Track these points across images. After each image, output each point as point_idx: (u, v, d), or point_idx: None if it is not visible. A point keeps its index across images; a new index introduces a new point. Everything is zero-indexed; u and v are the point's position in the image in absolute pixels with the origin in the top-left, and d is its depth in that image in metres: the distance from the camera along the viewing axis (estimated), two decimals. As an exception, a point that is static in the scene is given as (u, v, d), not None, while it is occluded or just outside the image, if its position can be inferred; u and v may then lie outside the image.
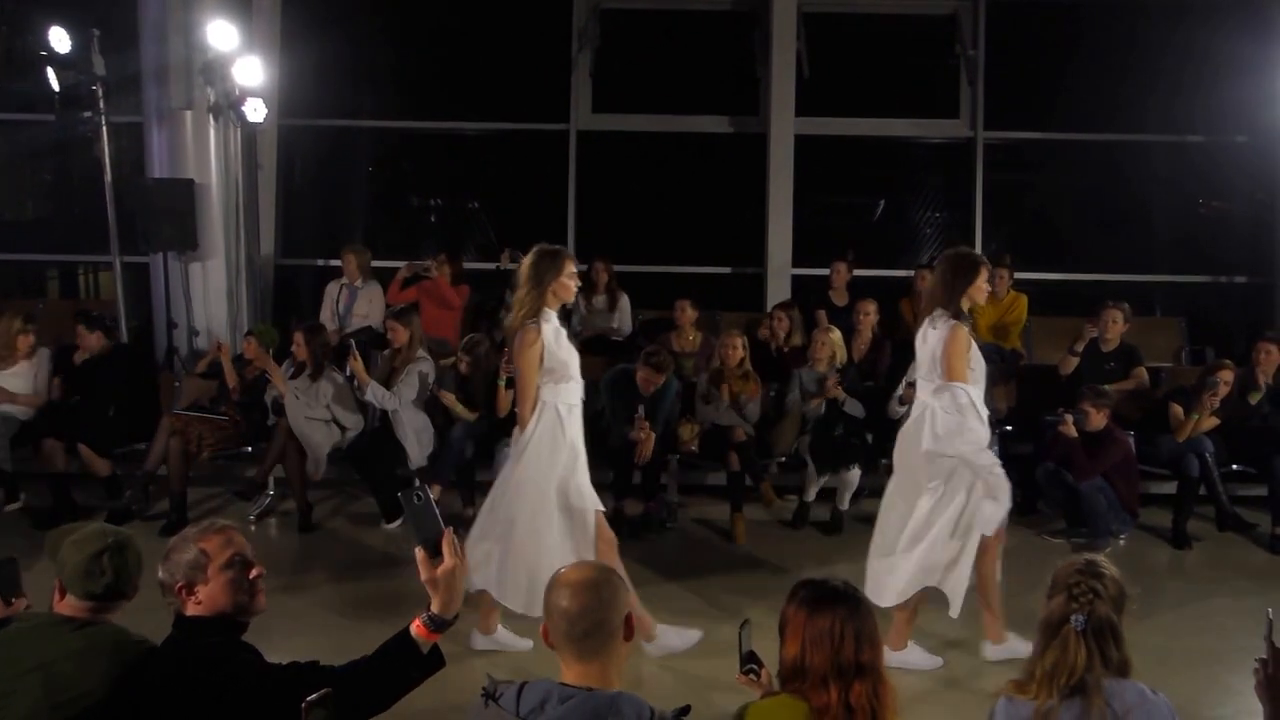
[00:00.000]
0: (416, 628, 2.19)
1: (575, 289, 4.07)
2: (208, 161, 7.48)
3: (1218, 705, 3.92)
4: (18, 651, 2.25)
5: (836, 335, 6.25)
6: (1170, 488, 6.05)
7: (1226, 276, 8.60)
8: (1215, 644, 4.43)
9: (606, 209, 8.87)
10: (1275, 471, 5.82)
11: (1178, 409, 5.95)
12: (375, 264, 7.73)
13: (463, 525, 5.73)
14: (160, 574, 2.29)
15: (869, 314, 6.82)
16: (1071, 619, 2.24)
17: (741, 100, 8.71)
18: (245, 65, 7.26)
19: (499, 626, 4.30)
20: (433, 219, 9.64)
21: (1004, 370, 6.65)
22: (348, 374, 6.16)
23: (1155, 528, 5.99)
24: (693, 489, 6.51)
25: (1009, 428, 6.42)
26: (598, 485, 4.25)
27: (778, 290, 8.32)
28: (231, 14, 7.31)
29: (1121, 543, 5.81)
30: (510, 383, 5.86)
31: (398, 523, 5.91)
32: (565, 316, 7.68)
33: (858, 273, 7.71)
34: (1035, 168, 9.24)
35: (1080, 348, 6.38)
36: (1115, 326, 6.45)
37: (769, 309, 7.43)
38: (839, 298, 7.54)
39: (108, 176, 7.31)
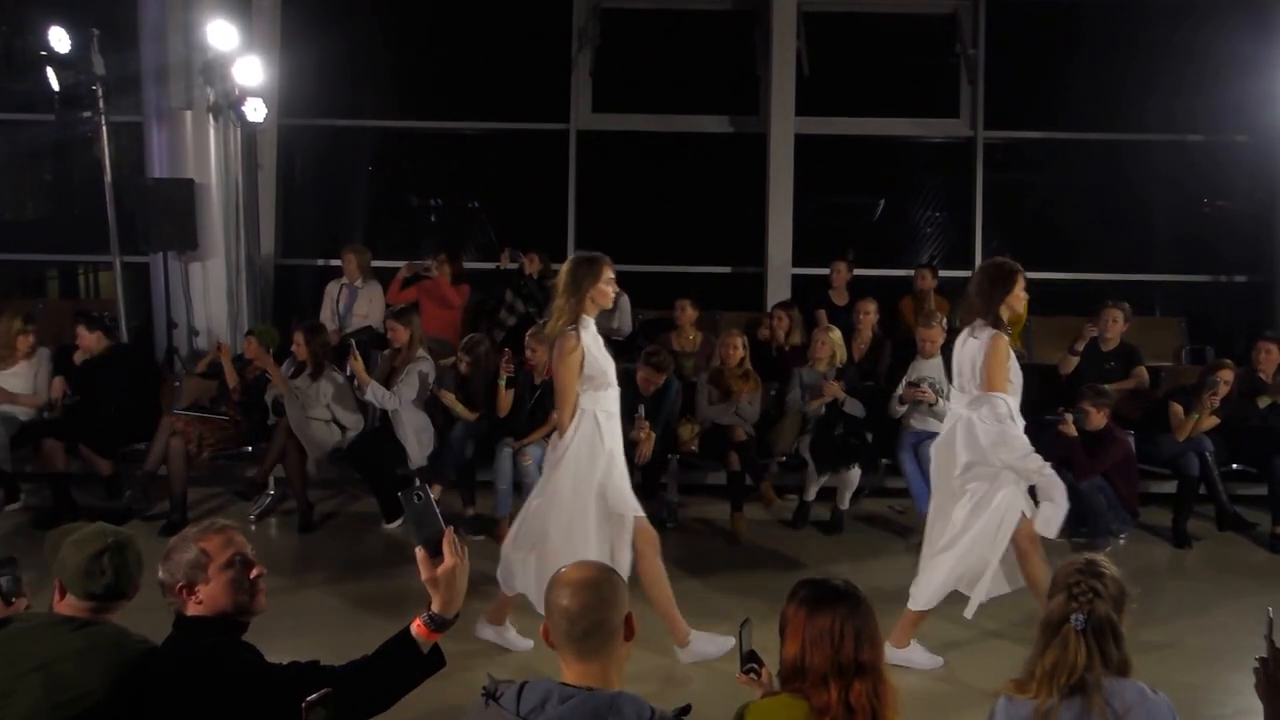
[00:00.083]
0: (417, 627, 2.19)
1: (613, 295, 4.05)
2: (208, 161, 7.48)
3: (1218, 704, 3.92)
4: (18, 651, 2.25)
5: (836, 335, 6.25)
6: (1170, 487, 6.05)
7: (1227, 276, 8.60)
8: (1215, 643, 4.43)
9: (606, 209, 8.87)
10: (1275, 471, 5.83)
11: (1178, 408, 5.95)
12: (375, 264, 7.73)
13: (463, 525, 5.76)
14: (160, 574, 2.29)
15: (869, 313, 6.82)
16: (1071, 618, 2.24)
17: (741, 100, 8.71)
18: (245, 65, 7.26)
19: (507, 622, 4.30)
20: (433, 219, 9.64)
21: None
22: (348, 374, 6.16)
23: (1155, 527, 5.99)
24: (693, 489, 6.50)
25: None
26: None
27: (778, 290, 8.32)
28: (231, 14, 7.31)
29: (1121, 542, 5.80)
30: (510, 383, 5.89)
31: (398, 523, 5.91)
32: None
33: (858, 272, 7.71)
34: (1035, 167, 9.23)
35: (1080, 347, 6.38)
36: (1115, 326, 6.45)
37: (769, 309, 7.44)
38: (839, 297, 7.54)
39: (108, 176, 7.30)
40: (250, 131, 7.83)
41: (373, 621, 4.48)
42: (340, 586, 5.11)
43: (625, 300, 7.64)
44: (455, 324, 7.40)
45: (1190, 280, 8.65)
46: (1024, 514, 4.01)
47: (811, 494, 6.09)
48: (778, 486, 6.22)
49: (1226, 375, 5.96)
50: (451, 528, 2.17)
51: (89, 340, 6.28)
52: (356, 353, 6.09)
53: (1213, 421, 5.92)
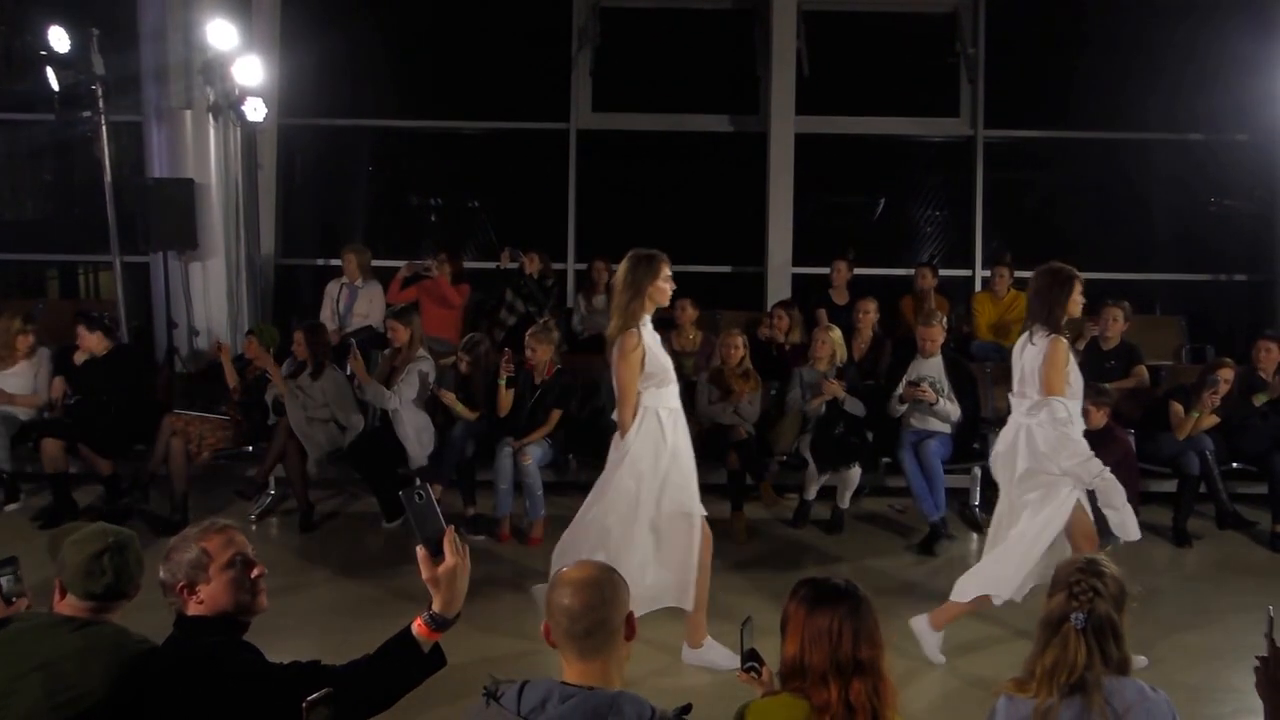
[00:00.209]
0: (418, 627, 2.19)
1: (671, 291, 4.05)
2: (207, 161, 7.47)
3: (1218, 703, 3.92)
4: (18, 651, 2.25)
5: (837, 334, 6.25)
6: (1170, 486, 6.05)
7: (1227, 275, 8.61)
8: (1215, 641, 4.43)
9: (606, 208, 8.87)
10: (1275, 469, 5.83)
11: (1178, 407, 5.95)
12: (375, 263, 7.73)
13: (464, 524, 5.76)
14: (161, 574, 2.29)
15: (869, 313, 6.82)
16: (1071, 617, 2.24)
17: (741, 99, 8.72)
18: (245, 65, 7.25)
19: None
20: (433, 218, 9.64)
21: (1005, 369, 6.63)
22: (348, 373, 6.16)
23: (1156, 526, 5.98)
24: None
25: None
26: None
27: (778, 289, 8.32)
28: (231, 14, 7.31)
29: (1122, 541, 5.80)
30: (510, 382, 5.89)
31: (398, 522, 5.91)
32: (566, 317, 7.73)
33: (858, 271, 7.71)
34: (1036, 166, 9.23)
35: (1081, 346, 6.38)
36: (1116, 325, 6.46)
37: (769, 308, 7.44)
38: (839, 296, 7.54)
39: (108, 176, 7.30)
40: (250, 131, 7.83)
41: (373, 621, 4.46)
42: (340, 586, 5.12)
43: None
44: (455, 324, 7.39)
45: (1190, 279, 8.66)
46: (1082, 509, 4.03)
47: (812, 493, 6.09)
48: (778, 486, 6.22)
49: (1227, 374, 5.96)
50: (452, 527, 2.17)
51: (89, 340, 6.27)
52: (357, 352, 6.09)
53: (1213, 420, 5.92)
